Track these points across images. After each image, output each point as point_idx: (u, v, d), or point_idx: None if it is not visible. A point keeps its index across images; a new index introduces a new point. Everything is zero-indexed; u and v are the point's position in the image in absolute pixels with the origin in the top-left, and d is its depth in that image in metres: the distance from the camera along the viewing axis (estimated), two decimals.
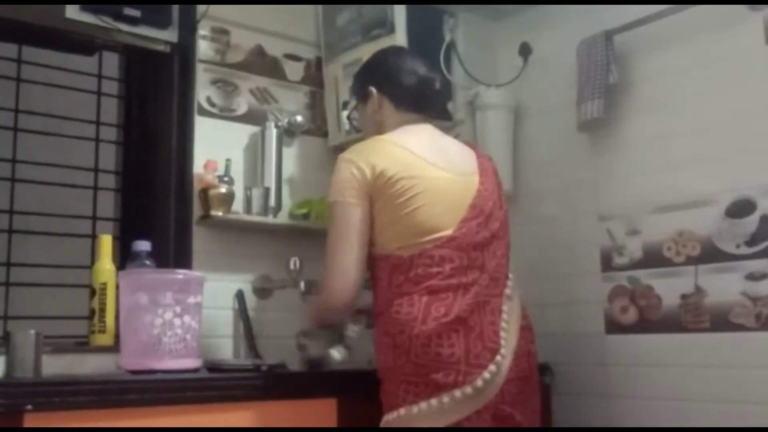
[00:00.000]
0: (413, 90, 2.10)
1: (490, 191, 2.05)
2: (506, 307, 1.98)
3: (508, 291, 2.01)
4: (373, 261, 2.01)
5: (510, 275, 2.05)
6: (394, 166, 1.95)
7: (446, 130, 2.35)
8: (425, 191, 1.94)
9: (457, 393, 1.84)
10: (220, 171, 2.47)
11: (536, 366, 2.06)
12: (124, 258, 2.34)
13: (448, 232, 1.94)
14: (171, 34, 2.55)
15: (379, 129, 2.11)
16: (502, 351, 1.91)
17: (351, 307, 1.99)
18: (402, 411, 1.88)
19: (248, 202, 2.51)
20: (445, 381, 1.84)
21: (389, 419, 1.91)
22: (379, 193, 1.95)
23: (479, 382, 1.85)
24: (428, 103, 2.14)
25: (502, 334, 1.93)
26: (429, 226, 1.93)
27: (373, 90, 2.13)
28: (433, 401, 1.85)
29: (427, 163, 1.99)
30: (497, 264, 2.00)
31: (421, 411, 1.85)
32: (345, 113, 2.61)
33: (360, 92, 2.19)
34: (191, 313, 2.04)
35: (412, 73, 2.11)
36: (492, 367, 1.88)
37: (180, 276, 2.09)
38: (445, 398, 1.84)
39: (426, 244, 1.93)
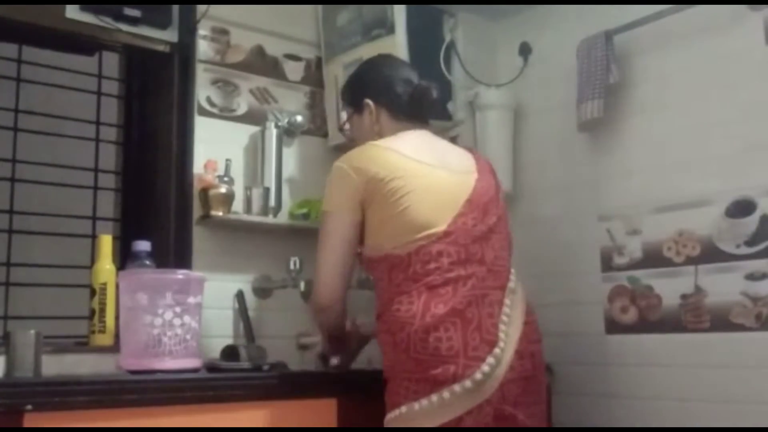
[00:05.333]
0: (409, 99, 2.15)
1: (486, 188, 2.08)
2: (509, 300, 1.99)
3: (511, 284, 2.03)
4: (371, 263, 2.04)
5: (512, 269, 2.06)
6: (384, 169, 1.99)
7: (446, 130, 2.36)
8: (415, 190, 1.97)
9: (457, 387, 1.85)
10: (220, 171, 2.47)
11: (542, 366, 2.06)
12: (124, 258, 2.35)
13: (442, 227, 1.96)
14: (171, 34, 2.55)
15: (376, 138, 2.13)
16: (501, 344, 1.92)
17: (336, 308, 2.07)
18: (404, 408, 1.89)
19: (248, 202, 2.51)
20: (445, 376, 1.86)
21: (391, 417, 1.92)
22: (372, 196, 1.99)
23: (478, 376, 1.87)
24: (425, 110, 2.18)
25: (502, 327, 1.94)
26: (420, 223, 1.96)
27: (370, 102, 2.16)
28: (434, 397, 1.86)
29: (419, 164, 2.02)
30: (495, 257, 2.02)
31: (422, 408, 1.87)
32: (344, 117, 2.61)
33: (355, 103, 2.22)
34: (191, 313, 2.04)
35: (407, 83, 2.17)
36: (491, 360, 1.89)
37: (180, 276, 2.09)
38: (446, 393, 1.85)
39: (421, 241, 1.95)
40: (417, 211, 1.96)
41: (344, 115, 2.34)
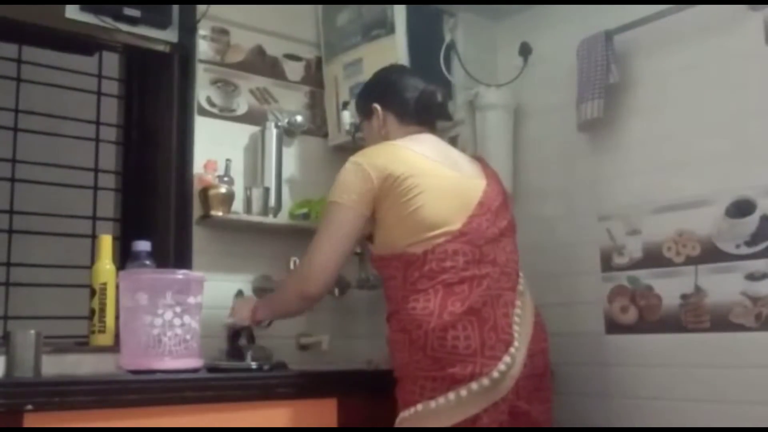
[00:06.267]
0: (416, 103, 2.18)
1: (495, 193, 2.11)
2: (519, 302, 2.03)
3: (520, 287, 2.06)
4: (382, 261, 2.04)
5: (521, 273, 2.10)
6: (400, 166, 2.00)
7: (445, 130, 2.36)
8: (430, 188, 1.99)
9: (474, 386, 1.87)
10: (220, 171, 2.47)
11: (549, 364, 2.10)
12: (124, 258, 2.34)
13: (456, 226, 1.98)
14: (171, 34, 2.56)
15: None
16: (516, 343, 1.95)
17: (318, 301, 2.09)
18: (419, 407, 1.89)
19: (248, 202, 2.52)
20: (462, 374, 1.87)
21: (405, 416, 1.92)
22: (386, 194, 1.99)
23: (495, 374, 1.89)
24: (431, 114, 2.21)
25: (515, 327, 1.97)
26: (435, 221, 1.97)
27: (378, 106, 2.20)
28: (451, 395, 1.87)
29: (434, 163, 2.05)
30: (507, 259, 2.05)
31: (439, 406, 1.87)
32: (344, 116, 2.62)
33: (364, 110, 2.26)
34: (191, 313, 2.04)
35: (413, 88, 2.19)
36: (507, 359, 1.91)
37: (180, 276, 2.09)
38: (463, 391, 1.86)
39: (437, 239, 1.96)
40: (432, 209, 1.98)
41: (349, 116, 2.42)
